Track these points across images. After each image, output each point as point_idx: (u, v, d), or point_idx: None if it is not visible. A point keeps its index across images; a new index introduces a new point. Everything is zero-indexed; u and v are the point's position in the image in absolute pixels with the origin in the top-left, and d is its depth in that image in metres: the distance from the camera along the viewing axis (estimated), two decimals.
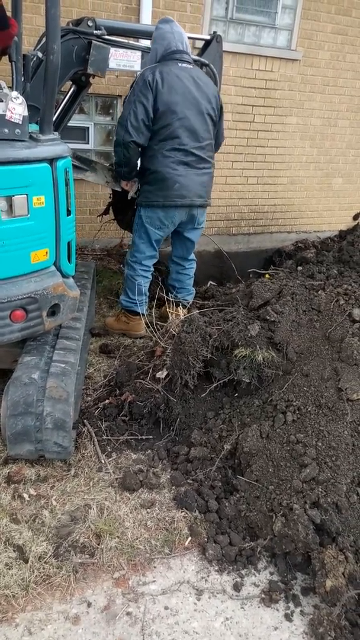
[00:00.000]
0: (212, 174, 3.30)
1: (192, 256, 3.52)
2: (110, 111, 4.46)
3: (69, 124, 3.35)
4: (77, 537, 1.99)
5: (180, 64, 3.02)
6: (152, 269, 3.38)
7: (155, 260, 3.37)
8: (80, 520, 2.06)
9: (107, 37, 2.96)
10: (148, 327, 2.83)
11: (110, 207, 3.65)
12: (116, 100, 4.42)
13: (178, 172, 3.07)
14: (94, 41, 2.88)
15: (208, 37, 3.50)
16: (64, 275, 2.30)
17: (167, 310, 2.88)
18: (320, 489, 2.12)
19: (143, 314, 3.33)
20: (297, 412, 2.41)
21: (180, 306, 2.95)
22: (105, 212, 3.73)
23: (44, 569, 1.87)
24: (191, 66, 3.07)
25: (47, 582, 1.84)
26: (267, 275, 3.61)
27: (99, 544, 1.98)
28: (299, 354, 2.62)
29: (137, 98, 2.92)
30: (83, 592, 1.85)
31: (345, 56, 5.35)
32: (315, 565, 1.95)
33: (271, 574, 2.02)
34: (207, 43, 3.49)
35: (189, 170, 3.09)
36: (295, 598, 1.94)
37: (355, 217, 6.24)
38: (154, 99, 2.91)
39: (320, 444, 2.27)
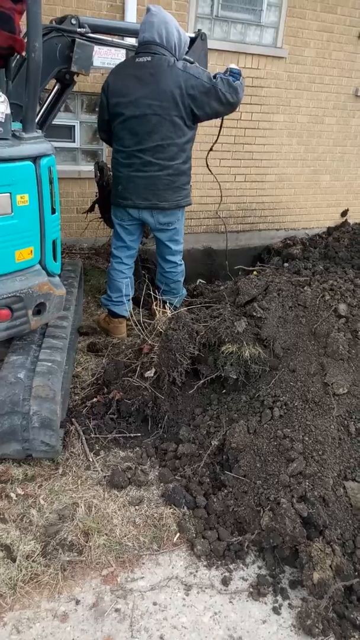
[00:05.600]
0: (165, 176, 3.05)
1: (174, 259, 3.36)
2: (96, 109, 4.43)
3: (54, 123, 3.33)
4: (65, 536, 1.99)
5: (138, 59, 2.94)
6: (127, 264, 3.34)
7: (129, 254, 3.34)
8: (68, 519, 2.06)
9: (91, 35, 2.94)
10: (136, 325, 2.83)
11: (96, 205, 3.64)
12: None
13: (122, 174, 3.10)
14: (77, 39, 2.86)
15: (193, 35, 3.50)
16: (49, 274, 2.29)
17: (155, 307, 2.88)
18: (307, 483, 2.13)
19: (123, 316, 3.33)
20: (284, 407, 2.42)
21: (167, 304, 2.94)
22: (90, 209, 3.73)
23: (31, 567, 1.87)
24: (149, 58, 2.90)
25: (35, 580, 1.84)
26: (254, 272, 3.62)
27: (87, 542, 1.99)
28: (285, 349, 2.64)
29: (99, 99, 3.12)
30: (71, 590, 1.85)
31: (331, 53, 5.38)
32: (302, 559, 1.97)
33: (259, 568, 2.03)
34: (192, 41, 3.48)
35: (131, 173, 3.06)
36: (283, 591, 1.96)
37: (343, 214, 6.28)
38: (106, 102, 3.05)
39: (307, 439, 2.29)
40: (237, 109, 3.19)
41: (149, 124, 2.96)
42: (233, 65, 3.14)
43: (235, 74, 3.06)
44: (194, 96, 2.94)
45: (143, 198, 3.09)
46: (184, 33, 3.07)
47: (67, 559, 1.92)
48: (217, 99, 2.99)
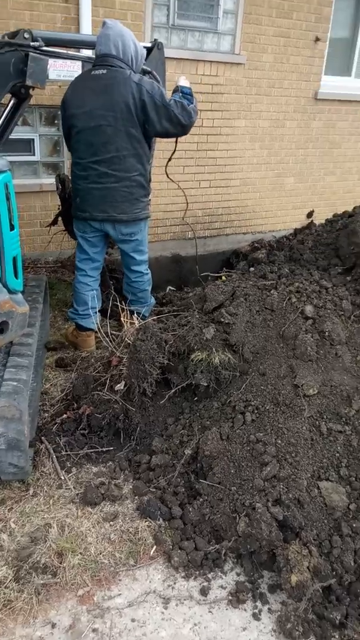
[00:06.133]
0: (122, 188, 3.02)
1: (139, 268, 3.33)
2: (55, 122, 4.40)
3: (12, 137, 3.28)
4: (38, 558, 1.95)
5: (94, 72, 2.96)
6: (92, 276, 3.32)
7: (93, 266, 3.32)
8: (40, 541, 2.01)
9: (45, 48, 2.92)
10: (104, 337, 2.80)
11: (60, 218, 3.61)
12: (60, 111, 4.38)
13: (79, 187, 3.10)
14: (30, 53, 2.84)
15: (149, 45, 3.51)
16: (10, 292, 2.25)
17: (122, 319, 2.85)
18: (281, 486, 2.14)
19: (91, 329, 3.30)
20: (256, 411, 2.43)
21: (135, 314, 2.92)
22: (54, 222, 3.69)
23: (4, 594, 1.82)
24: (105, 71, 2.92)
25: (8, 607, 1.79)
26: (222, 278, 3.63)
27: (61, 563, 1.95)
28: (254, 353, 2.65)
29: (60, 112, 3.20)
30: (47, 614, 1.81)
31: (289, 58, 5.47)
32: (280, 562, 1.97)
33: (238, 574, 2.02)
34: (149, 50, 3.49)
35: (87, 185, 3.05)
36: (263, 596, 1.95)
37: (308, 215, 6.38)
38: (64, 114, 3.10)
39: (279, 442, 2.30)
40: (193, 127, 3.12)
41: (104, 134, 2.94)
42: (182, 82, 3.14)
43: (187, 95, 3.05)
44: (145, 111, 2.92)
45: (100, 210, 3.07)
46: (140, 45, 3.09)
47: (41, 582, 1.88)
48: (169, 119, 2.97)
